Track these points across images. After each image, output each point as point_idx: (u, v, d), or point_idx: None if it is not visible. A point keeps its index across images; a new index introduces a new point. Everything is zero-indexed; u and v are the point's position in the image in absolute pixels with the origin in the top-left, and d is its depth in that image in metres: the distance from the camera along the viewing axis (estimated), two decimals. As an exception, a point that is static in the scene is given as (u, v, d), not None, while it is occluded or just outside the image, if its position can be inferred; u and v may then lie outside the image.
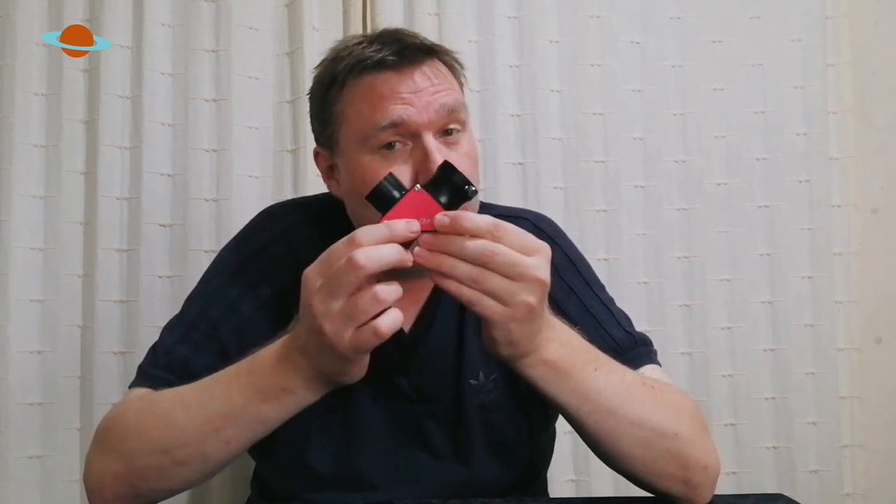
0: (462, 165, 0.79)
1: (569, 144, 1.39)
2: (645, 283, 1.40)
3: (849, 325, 1.43)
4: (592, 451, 0.78)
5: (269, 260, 0.88)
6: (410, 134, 0.79)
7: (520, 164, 1.39)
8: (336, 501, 0.87)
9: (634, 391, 0.75)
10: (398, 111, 0.78)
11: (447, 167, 0.68)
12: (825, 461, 1.40)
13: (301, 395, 0.70)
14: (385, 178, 0.67)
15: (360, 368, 0.68)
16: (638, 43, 1.42)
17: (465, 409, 0.88)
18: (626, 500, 0.85)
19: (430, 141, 0.78)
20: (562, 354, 0.71)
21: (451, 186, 0.67)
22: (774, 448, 1.40)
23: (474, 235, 0.63)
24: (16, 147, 1.26)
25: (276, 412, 0.71)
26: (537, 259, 0.64)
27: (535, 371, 0.70)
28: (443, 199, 0.66)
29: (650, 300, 1.39)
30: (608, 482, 1.28)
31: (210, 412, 0.72)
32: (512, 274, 0.63)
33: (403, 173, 0.77)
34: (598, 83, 1.40)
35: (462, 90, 0.87)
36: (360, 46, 0.82)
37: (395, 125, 0.79)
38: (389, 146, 0.79)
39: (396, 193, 0.66)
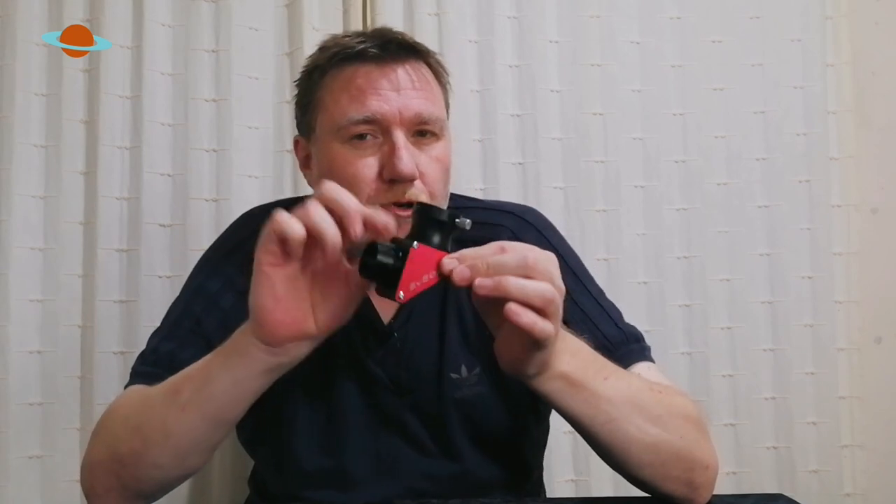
0: (430, 169, 0.81)
1: (569, 144, 1.39)
2: (645, 283, 1.40)
3: (849, 325, 1.43)
4: (601, 457, 0.77)
5: (246, 255, 0.88)
6: (382, 128, 0.81)
7: (520, 164, 1.39)
8: (330, 499, 0.87)
9: (642, 397, 0.76)
10: (374, 107, 0.80)
11: (422, 208, 0.67)
12: (825, 461, 1.40)
13: (241, 347, 0.69)
14: (379, 251, 0.63)
15: (276, 322, 0.67)
16: (638, 43, 1.42)
17: (445, 402, 0.88)
18: (625, 500, 0.85)
19: (399, 137, 0.80)
20: (574, 366, 0.71)
21: (437, 225, 0.65)
22: (774, 448, 1.40)
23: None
24: (16, 147, 1.26)
25: (217, 368, 0.71)
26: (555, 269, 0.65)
27: (552, 385, 0.70)
28: (436, 241, 0.64)
29: (650, 300, 1.39)
30: (608, 482, 1.28)
31: (177, 378, 0.74)
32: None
33: (370, 165, 0.80)
34: (598, 83, 1.40)
35: (446, 96, 0.89)
36: (347, 39, 0.84)
37: (369, 121, 0.80)
38: (360, 137, 0.81)
39: (391, 261, 0.63)
